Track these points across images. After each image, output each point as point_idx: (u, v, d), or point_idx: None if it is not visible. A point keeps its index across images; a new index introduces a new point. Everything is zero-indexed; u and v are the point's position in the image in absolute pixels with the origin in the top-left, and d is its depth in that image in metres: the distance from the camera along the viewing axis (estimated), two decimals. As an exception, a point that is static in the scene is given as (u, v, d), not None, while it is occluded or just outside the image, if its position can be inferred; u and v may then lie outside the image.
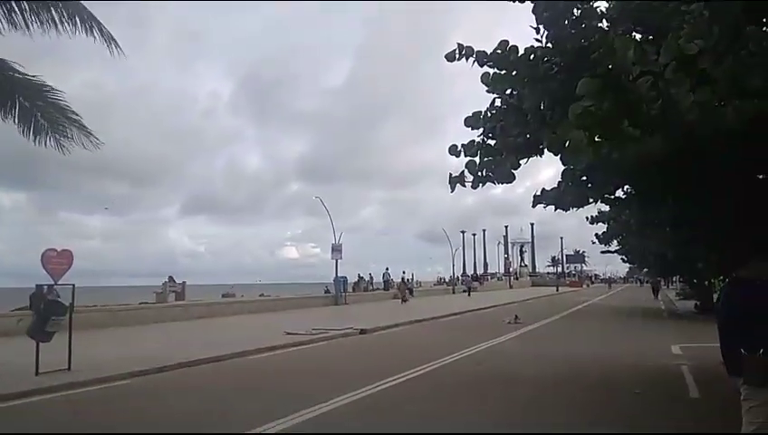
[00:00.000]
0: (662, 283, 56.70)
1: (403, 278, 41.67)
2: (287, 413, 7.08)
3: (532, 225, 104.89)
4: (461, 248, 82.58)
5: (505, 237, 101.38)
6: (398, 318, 22.13)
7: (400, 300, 34.93)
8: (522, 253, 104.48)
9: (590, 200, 7.22)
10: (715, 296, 20.35)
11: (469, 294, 48.13)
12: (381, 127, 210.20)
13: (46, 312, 9.90)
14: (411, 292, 43.65)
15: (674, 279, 56.32)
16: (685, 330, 18.71)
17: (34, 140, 9.45)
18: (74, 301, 10.67)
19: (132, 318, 20.35)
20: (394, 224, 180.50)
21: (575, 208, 7.08)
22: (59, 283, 10.49)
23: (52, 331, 9.92)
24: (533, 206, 7.02)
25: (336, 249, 34.57)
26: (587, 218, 27.52)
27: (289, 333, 16.32)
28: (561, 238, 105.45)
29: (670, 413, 7.50)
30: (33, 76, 9.26)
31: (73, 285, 10.52)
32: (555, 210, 6.93)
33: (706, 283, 28.26)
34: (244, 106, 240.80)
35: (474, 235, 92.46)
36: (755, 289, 4.50)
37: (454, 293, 53.12)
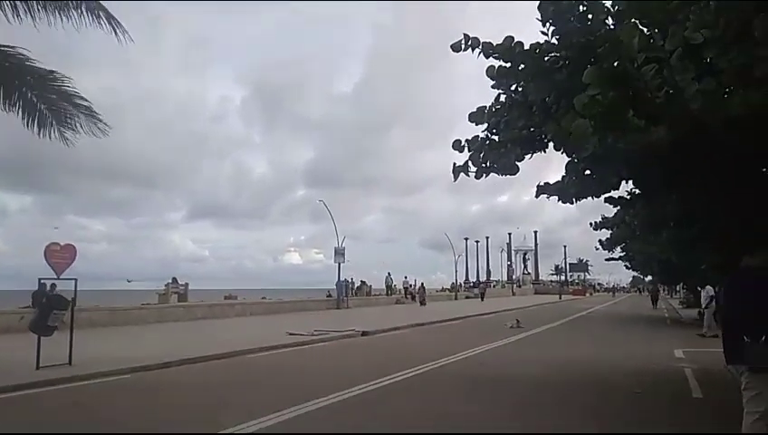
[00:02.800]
0: (662, 291, 56.57)
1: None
2: (283, 407, 7.07)
3: (535, 232, 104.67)
4: (464, 255, 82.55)
5: (509, 245, 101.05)
6: (399, 321, 22.07)
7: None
8: (525, 260, 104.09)
9: (594, 194, 7.17)
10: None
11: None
12: (388, 134, 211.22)
13: (48, 306, 9.91)
14: (413, 297, 43.93)
15: (677, 288, 56.19)
16: (688, 336, 18.59)
17: (39, 133, 9.43)
18: (76, 299, 10.68)
19: (134, 318, 20.38)
20: (398, 231, 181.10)
21: (578, 200, 7.03)
22: (61, 277, 10.49)
23: (53, 325, 9.91)
24: (537, 196, 6.99)
25: (339, 253, 34.54)
26: (591, 224, 27.41)
27: (291, 334, 16.31)
28: (565, 247, 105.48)
29: (673, 412, 7.44)
30: (39, 63, 9.13)
31: (75, 280, 10.56)
32: (558, 201, 6.90)
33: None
34: (253, 111, 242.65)
35: (477, 242, 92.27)
36: (760, 277, 4.49)
37: (456, 299, 53.22)
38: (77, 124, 9.48)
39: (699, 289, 32.54)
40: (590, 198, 7.77)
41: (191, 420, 6.52)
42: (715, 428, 6.31)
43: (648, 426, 6.55)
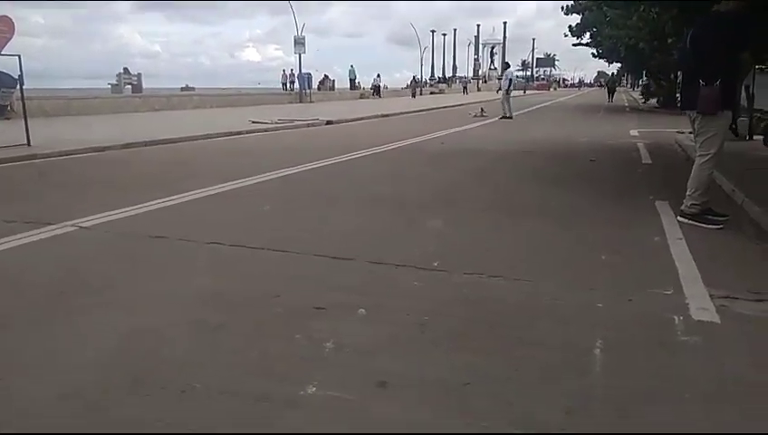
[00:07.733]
0: (625, 84, 57.11)
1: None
2: (253, 174, 7.24)
3: (504, 23, 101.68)
4: (430, 49, 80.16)
5: (476, 38, 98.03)
6: (364, 113, 21.97)
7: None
8: (492, 55, 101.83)
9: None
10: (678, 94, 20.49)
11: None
12: None
13: (-6, 84, 9.38)
14: (378, 93, 43.47)
15: (639, 82, 56.64)
16: (644, 119, 19.24)
17: None
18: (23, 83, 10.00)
19: (88, 108, 19.63)
20: (364, 26, 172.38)
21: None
22: (2, 53, 9.75)
23: (3, 104, 9.51)
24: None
25: (299, 42, 32.67)
26: (562, 9, 26.65)
27: (254, 122, 16.16)
28: (534, 39, 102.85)
29: (624, 174, 7.91)
30: None
31: (19, 56, 9.77)
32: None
33: (672, 76, 28.37)
34: None
35: (444, 35, 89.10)
36: (729, 21, 4.42)
37: (422, 94, 52.97)
38: None
39: (660, 78, 32.91)
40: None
41: (167, 185, 6.50)
42: (660, 181, 6.77)
43: (606, 186, 6.94)
